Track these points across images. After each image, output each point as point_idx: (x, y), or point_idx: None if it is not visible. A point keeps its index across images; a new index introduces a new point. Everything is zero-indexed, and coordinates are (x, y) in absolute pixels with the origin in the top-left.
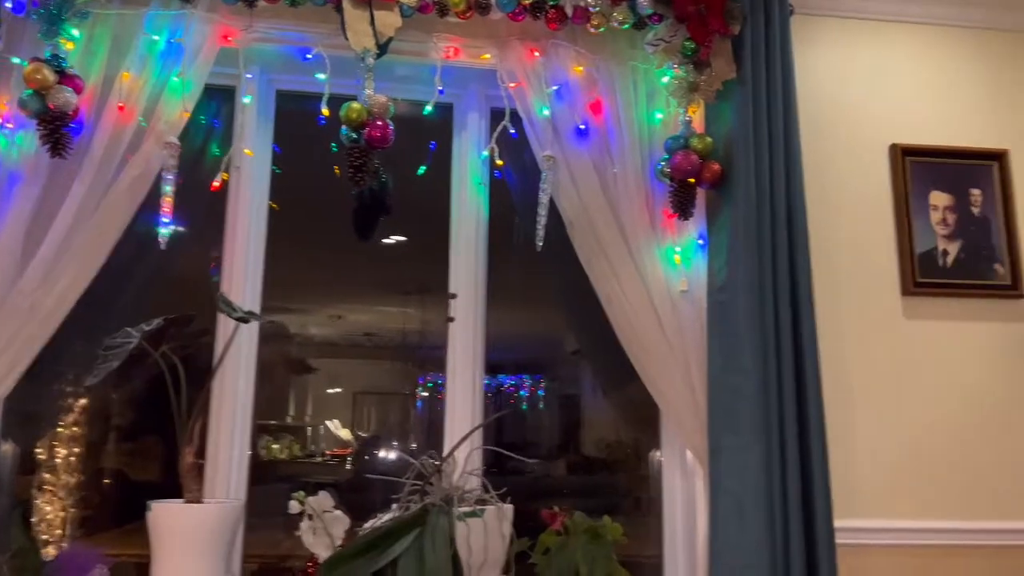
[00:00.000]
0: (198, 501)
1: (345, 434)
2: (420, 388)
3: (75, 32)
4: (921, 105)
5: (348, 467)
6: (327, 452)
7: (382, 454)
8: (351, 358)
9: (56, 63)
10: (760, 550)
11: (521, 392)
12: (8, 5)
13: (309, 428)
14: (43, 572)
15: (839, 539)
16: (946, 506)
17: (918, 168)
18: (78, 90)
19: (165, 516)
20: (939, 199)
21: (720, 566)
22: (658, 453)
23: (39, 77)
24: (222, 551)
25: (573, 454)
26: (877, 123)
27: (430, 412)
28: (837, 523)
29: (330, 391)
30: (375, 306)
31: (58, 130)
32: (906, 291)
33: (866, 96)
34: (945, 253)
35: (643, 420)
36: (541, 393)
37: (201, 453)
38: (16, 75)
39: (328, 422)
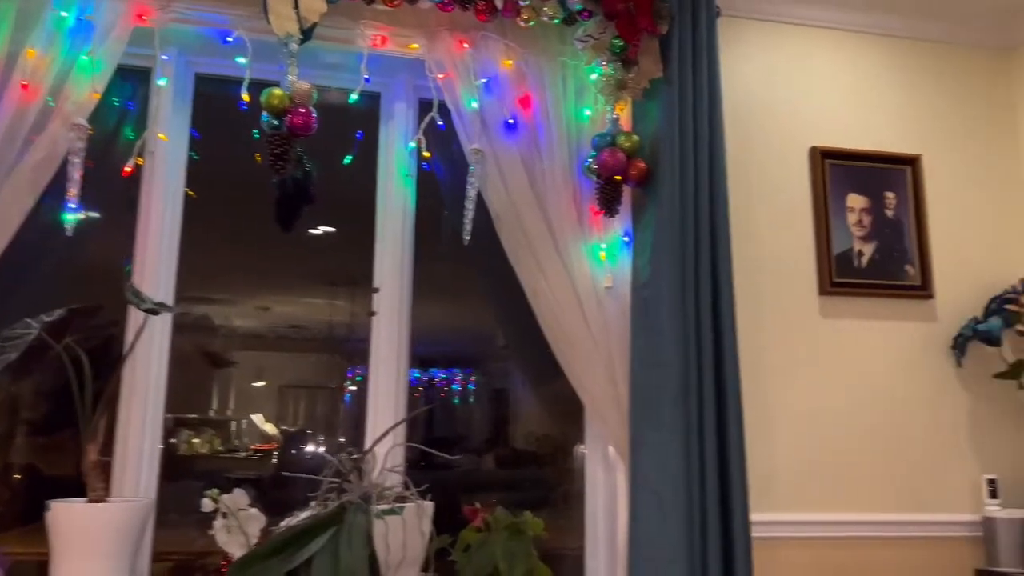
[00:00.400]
0: (102, 500)
1: (269, 429)
2: (348, 382)
3: None
4: (841, 109)
5: (273, 462)
6: (251, 447)
7: (308, 449)
8: (277, 350)
9: None
10: (679, 543)
11: (453, 386)
12: None
13: (232, 422)
14: None
15: (754, 532)
16: (857, 499)
17: (837, 171)
18: None
19: (65, 516)
20: (856, 201)
21: (639, 559)
22: (582, 447)
23: None
24: (127, 552)
25: (502, 448)
26: (799, 126)
27: (359, 406)
28: (753, 516)
29: (256, 384)
30: (302, 298)
31: None
32: (823, 290)
33: (789, 99)
34: (860, 254)
35: (570, 414)
36: (472, 387)
37: (111, 449)
38: None
39: (252, 416)
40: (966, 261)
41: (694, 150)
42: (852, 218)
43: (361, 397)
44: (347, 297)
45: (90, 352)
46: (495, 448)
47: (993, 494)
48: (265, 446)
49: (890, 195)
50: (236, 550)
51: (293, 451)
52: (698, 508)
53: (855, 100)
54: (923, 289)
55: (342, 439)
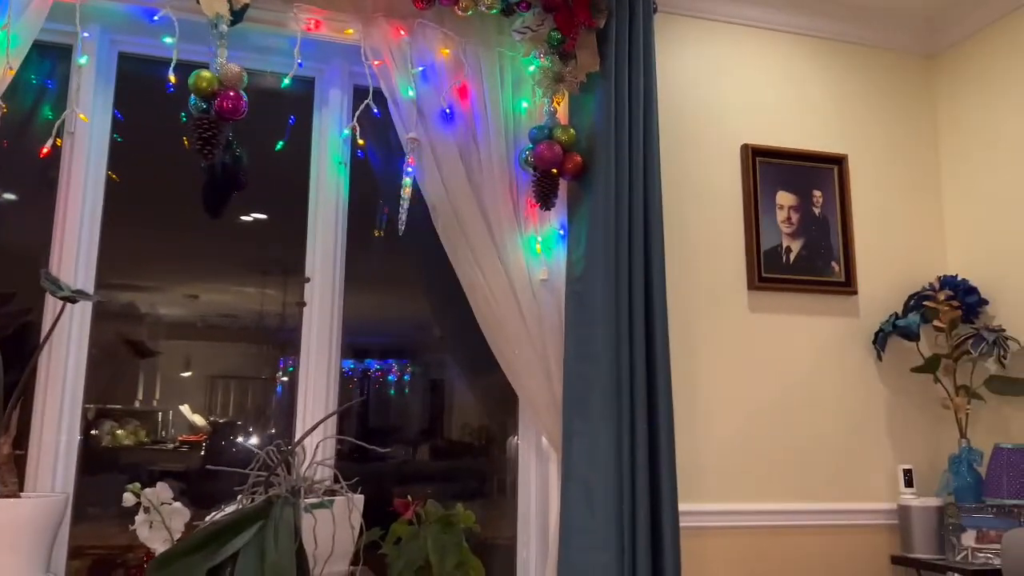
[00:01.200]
0: (15, 495)
1: (198, 420)
2: (280, 372)
3: None
4: (772, 108)
5: (201, 454)
6: (178, 439)
7: (238, 441)
8: (207, 340)
9: None
10: (608, 533)
11: (389, 377)
12: None
13: (159, 413)
14: None
15: (682, 522)
16: (780, 489)
17: (767, 168)
18: None
19: None
20: (785, 199)
21: (569, 549)
22: (516, 438)
23: None
24: (42, 548)
25: (438, 439)
26: (731, 123)
27: (290, 397)
28: (681, 507)
29: (184, 374)
30: (233, 286)
31: None
32: (751, 285)
33: (722, 96)
34: (788, 250)
35: (506, 405)
36: (408, 378)
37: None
38: None
39: (180, 407)
40: (887, 259)
41: (629, 145)
42: (781, 215)
43: (293, 388)
44: (279, 286)
45: (3, 342)
46: (430, 439)
47: (909, 483)
48: (193, 438)
49: (817, 193)
50: (159, 546)
51: (222, 443)
52: (628, 499)
53: (786, 99)
54: (847, 285)
55: (273, 431)
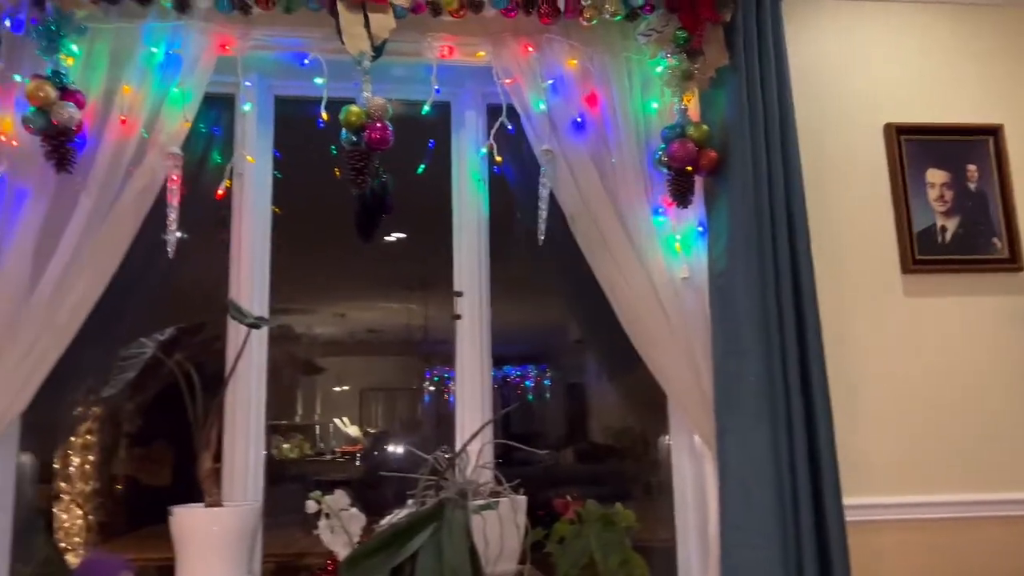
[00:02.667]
0: (218, 504)
1: (354, 431)
2: (427, 383)
3: (74, 48)
4: (915, 84)
5: (358, 464)
6: (337, 450)
7: (392, 450)
8: (357, 355)
9: (57, 79)
10: (769, 530)
11: (527, 383)
12: (7, 24)
13: (318, 427)
14: None
15: (849, 516)
16: (952, 479)
17: (913, 146)
18: (80, 105)
19: (188, 520)
20: (936, 176)
21: (730, 547)
22: (667, 438)
23: (41, 94)
24: (243, 552)
25: (581, 442)
26: (871, 103)
27: (437, 406)
28: (847, 500)
29: (337, 389)
30: (378, 303)
31: (63, 145)
32: (906, 269)
33: (859, 77)
34: (944, 229)
35: (651, 406)
36: (547, 383)
37: (217, 457)
38: (19, 93)
39: (336, 420)
40: None
41: (765, 135)
42: (933, 194)
43: (439, 397)
44: (421, 300)
45: (196, 367)
46: (573, 442)
47: None
48: (350, 448)
49: (972, 167)
50: (340, 549)
51: (376, 452)
52: (789, 494)
53: (929, 73)
54: (1012, 262)
55: (423, 438)
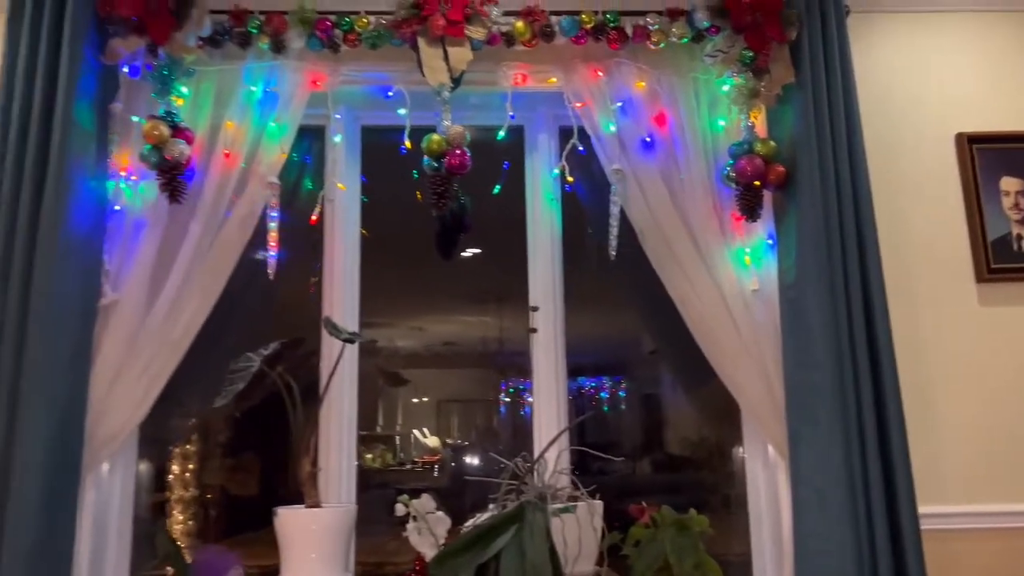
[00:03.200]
0: (317, 505)
1: (433, 442)
2: (503, 394)
3: (183, 89)
4: (984, 92)
5: (435, 474)
6: (416, 459)
7: (469, 460)
8: (434, 367)
9: (169, 119)
10: (844, 538)
11: (602, 394)
12: (125, 71)
13: (398, 437)
14: (187, 574)
15: (924, 525)
16: None
17: (986, 155)
18: (189, 141)
19: (291, 520)
20: (1010, 184)
21: (805, 555)
22: (741, 449)
23: (156, 133)
24: (341, 551)
25: (657, 452)
26: (941, 113)
27: (513, 416)
28: (921, 509)
29: (415, 400)
30: (455, 316)
31: (174, 179)
32: (980, 278)
33: (928, 87)
34: (1019, 238)
35: (725, 417)
36: (622, 394)
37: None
38: (136, 132)
39: (416, 431)
40: None
41: (833, 149)
42: (1007, 202)
43: (515, 408)
44: (496, 313)
45: (294, 379)
46: (649, 453)
47: None
48: (430, 458)
49: None
50: (427, 550)
51: (453, 463)
52: (863, 502)
53: (998, 81)
54: None
55: (500, 448)
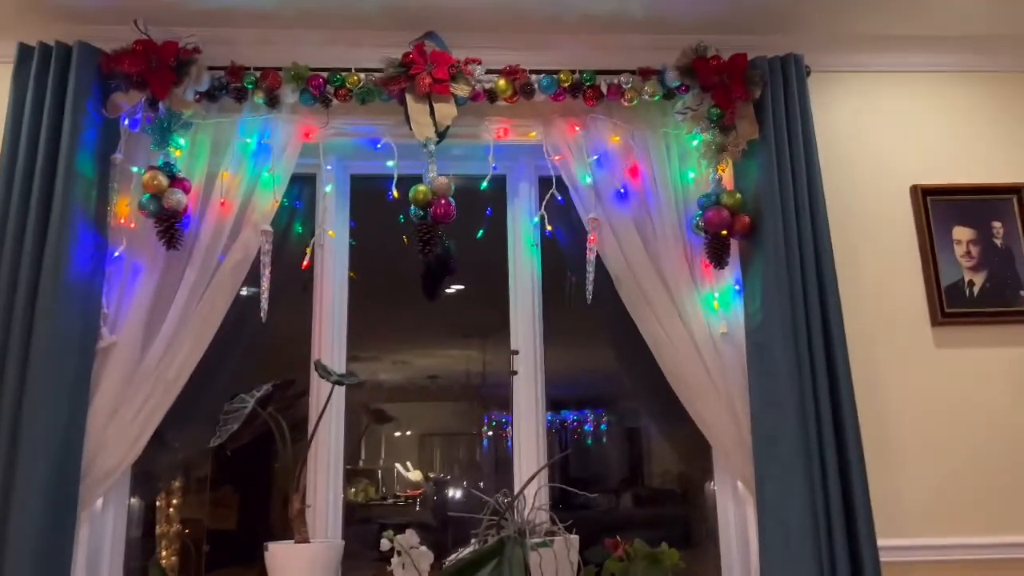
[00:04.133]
0: (306, 541)
1: (415, 476)
2: (485, 427)
3: (181, 141)
4: (939, 147)
5: (417, 508)
6: (399, 493)
7: (452, 494)
8: (418, 400)
9: (168, 169)
10: (808, 570)
11: (585, 427)
12: (126, 123)
13: (380, 471)
14: None
15: (884, 557)
16: (984, 522)
17: (940, 206)
18: (186, 190)
19: (282, 555)
20: (962, 234)
21: None
22: (712, 484)
23: (155, 183)
24: None
25: (638, 487)
26: (897, 167)
27: (495, 450)
28: (881, 542)
29: (397, 434)
30: (439, 350)
31: (172, 226)
32: (935, 321)
33: (885, 142)
34: (971, 284)
35: (704, 452)
36: (603, 428)
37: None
38: (135, 181)
39: (398, 465)
40: None
41: (795, 201)
42: (960, 250)
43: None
44: (479, 348)
45: (284, 416)
46: (631, 487)
47: None
48: (412, 492)
49: (997, 224)
50: None
51: (436, 497)
52: (825, 535)
53: (951, 137)
54: None
55: (482, 483)
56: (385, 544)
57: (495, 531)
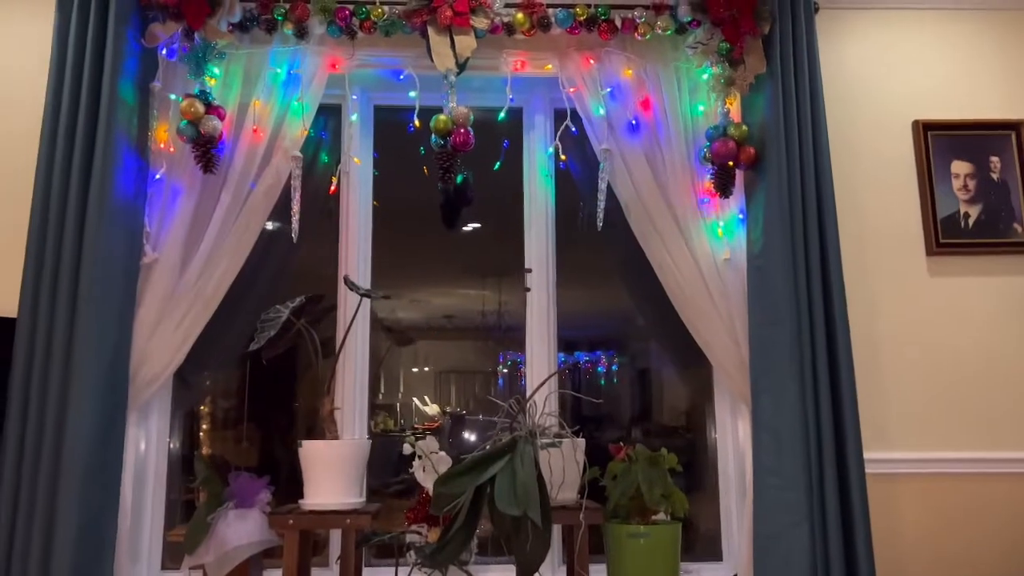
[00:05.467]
0: (336, 438)
1: (432, 410)
2: (500, 366)
3: (216, 70)
4: (941, 83)
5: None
6: (416, 426)
7: (467, 425)
8: (434, 339)
9: (203, 97)
10: (797, 473)
11: (598, 368)
12: (163, 53)
13: (398, 405)
14: (223, 496)
15: (870, 469)
16: (966, 438)
17: (940, 141)
18: (221, 118)
19: (313, 450)
20: (960, 167)
21: (762, 488)
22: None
23: (192, 110)
24: (358, 477)
25: (648, 423)
26: (900, 102)
27: (510, 388)
28: (868, 455)
29: (415, 370)
30: (455, 289)
31: (208, 151)
32: (930, 251)
33: (889, 78)
34: (967, 216)
35: (705, 385)
36: (615, 368)
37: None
38: (173, 108)
39: (415, 399)
40: None
41: (798, 133)
42: (957, 183)
43: (512, 380)
44: (495, 287)
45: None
46: (641, 423)
47: None
48: (430, 425)
49: (995, 159)
50: (430, 485)
51: (451, 434)
52: (815, 443)
53: (953, 73)
54: None
55: (495, 419)
56: (407, 448)
57: (508, 432)
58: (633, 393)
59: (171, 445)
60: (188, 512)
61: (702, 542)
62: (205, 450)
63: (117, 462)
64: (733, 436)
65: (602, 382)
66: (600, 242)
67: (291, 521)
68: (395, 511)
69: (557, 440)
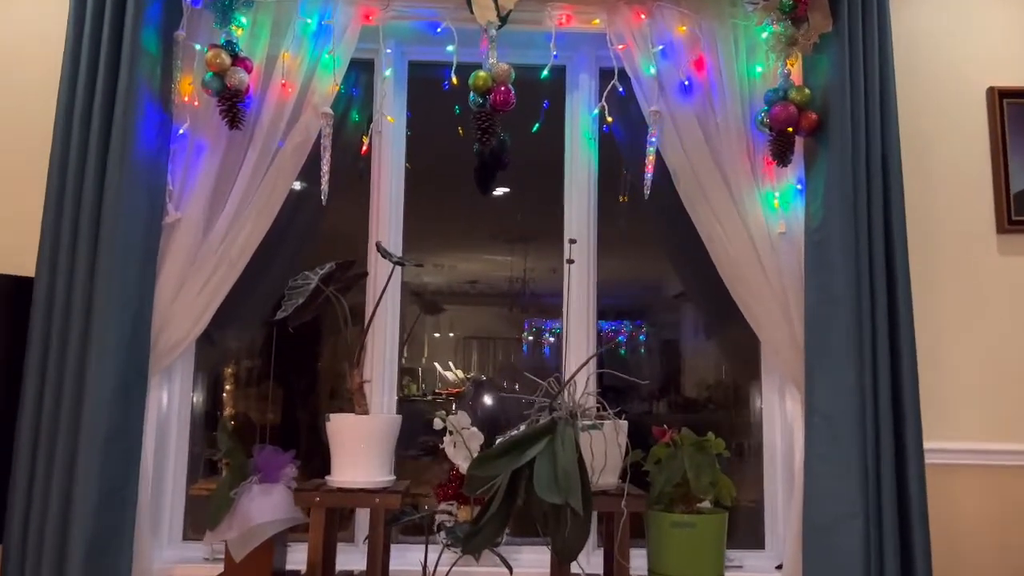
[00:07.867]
0: (365, 412)
1: (456, 375)
2: (525, 333)
3: (243, 19)
4: (1018, 49)
5: (456, 406)
6: (439, 391)
7: (492, 393)
8: (459, 304)
9: (230, 48)
10: (850, 461)
11: (620, 338)
12: (188, 0)
13: (421, 370)
14: (247, 468)
15: (929, 459)
16: None
17: (1015, 109)
18: (248, 70)
19: (341, 424)
20: None
21: (814, 476)
22: (756, 389)
23: (218, 61)
24: (388, 452)
25: (675, 395)
26: (974, 67)
27: (534, 355)
28: (927, 444)
29: (438, 335)
30: (481, 255)
31: (234, 106)
32: (1001, 228)
33: (962, 42)
34: None
35: (744, 359)
36: (642, 338)
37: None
38: (198, 59)
39: (437, 365)
40: None
41: (865, 99)
42: None
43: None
44: (522, 254)
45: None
46: (668, 396)
47: None
48: (453, 391)
49: None
50: (461, 462)
51: (473, 397)
52: (872, 430)
53: None
54: None
55: (517, 386)
56: (438, 423)
57: (547, 413)
58: (661, 365)
59: (194, 399)
60: (210, 470)
61: (740, 526)
62: (228, 410)
63: (138, 428)
64: (782, 418)
65: (622, 352)
66: (642, 207)
67: (318, 499)
68: (417, 473)
69: (599, 423)
